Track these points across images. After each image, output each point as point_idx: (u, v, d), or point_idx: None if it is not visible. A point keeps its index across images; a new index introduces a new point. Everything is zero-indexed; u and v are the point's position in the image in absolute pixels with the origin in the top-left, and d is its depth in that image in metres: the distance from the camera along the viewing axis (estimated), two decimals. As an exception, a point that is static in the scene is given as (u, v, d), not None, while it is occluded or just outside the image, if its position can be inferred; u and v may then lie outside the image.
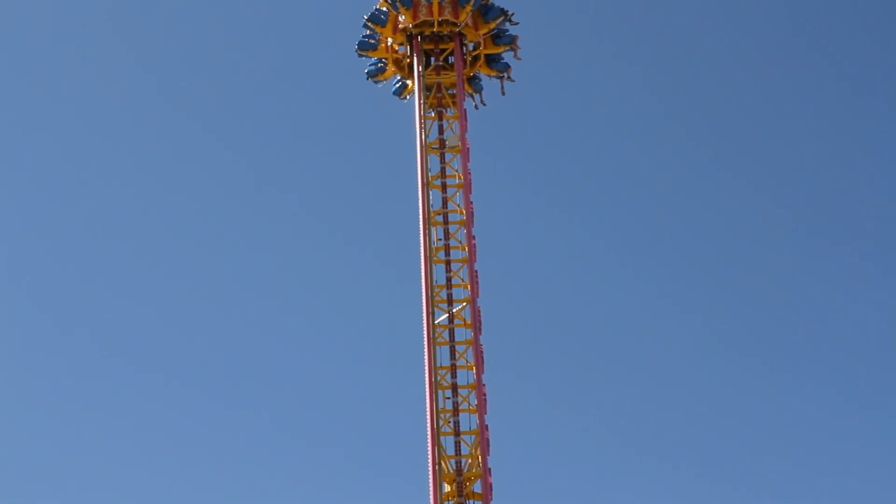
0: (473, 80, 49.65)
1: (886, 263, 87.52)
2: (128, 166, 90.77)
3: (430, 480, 41.92)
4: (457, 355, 43.70)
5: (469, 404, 42.99)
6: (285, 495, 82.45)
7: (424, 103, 47.74)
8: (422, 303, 44.40)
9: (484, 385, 43.27)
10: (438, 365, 43.43)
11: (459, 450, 42.48)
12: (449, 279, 44.88)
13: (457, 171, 46.48)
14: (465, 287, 44.77)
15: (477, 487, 42.11)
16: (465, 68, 48.96)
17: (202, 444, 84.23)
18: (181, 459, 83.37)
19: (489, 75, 49.85)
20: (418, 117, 47.47)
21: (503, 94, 49.90)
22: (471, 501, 41.98)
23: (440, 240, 45.41)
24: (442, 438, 42.50)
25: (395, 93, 50.10)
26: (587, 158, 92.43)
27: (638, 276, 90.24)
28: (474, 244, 45.30)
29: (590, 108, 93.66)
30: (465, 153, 46.60)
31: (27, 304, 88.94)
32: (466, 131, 47.30)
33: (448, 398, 43.08)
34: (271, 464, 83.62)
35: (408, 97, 49.70)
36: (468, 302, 44.46)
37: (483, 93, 49.82)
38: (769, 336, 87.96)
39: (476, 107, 49.60)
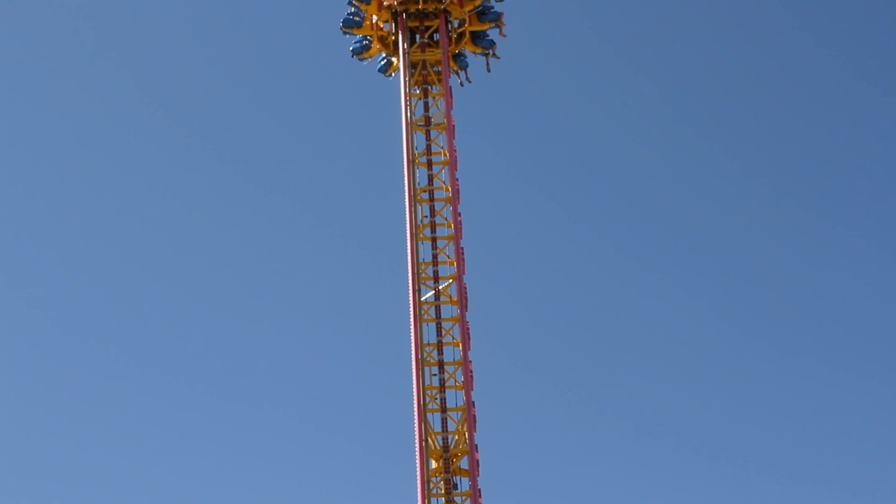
0: (459, 58, 49.54)
1: (892, 258, 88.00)
2: (116, 149, 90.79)
3: (417, 457, 42.01)
4: (443, 332, 43.77)
5: (455, 381, 43.08)
6: (273, 472, 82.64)
7: (410, 81, 47.66)
8: (408, 280, 44.43)
9: (470, 362, 43.35)
10: (425, 342, 43.50)
11: (446, 426, 42.60)
12: (435, 256, 44.92)
13: (442, 147, 46.49)
14: (451, 264, 44.80)
15: (464, 463, 42.28)
16: (450, 45, 48.85)
17: (193, 432, 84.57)
18: (177, 444, 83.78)
19: (474, 52, 49.74)
20: (403, 95, 47.42)
21: (488, 70, 49.85)
22: (458, 477, 42.12)
23: (426, 217, 45.43)
24: (429, 415, 42.62)
25: (380, 70, 49.96)
26: (572, 135, 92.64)
27: (622, 252, 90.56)
28: (460, 221, 45.32)
29: (575, 86, 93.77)
30: (450, 130, 46.59)
31: (28, 305, 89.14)
32: (452, 108, 47.29)
33: (434, 375, 43.18)
34: (258, 442, 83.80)
35: (393, 74, 49.55)
36: (454, 279, 44.50)
37: (468, 70, 49.72)
38: (769, 321, 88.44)
39: (461, 84, 49.49)
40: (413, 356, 43.17)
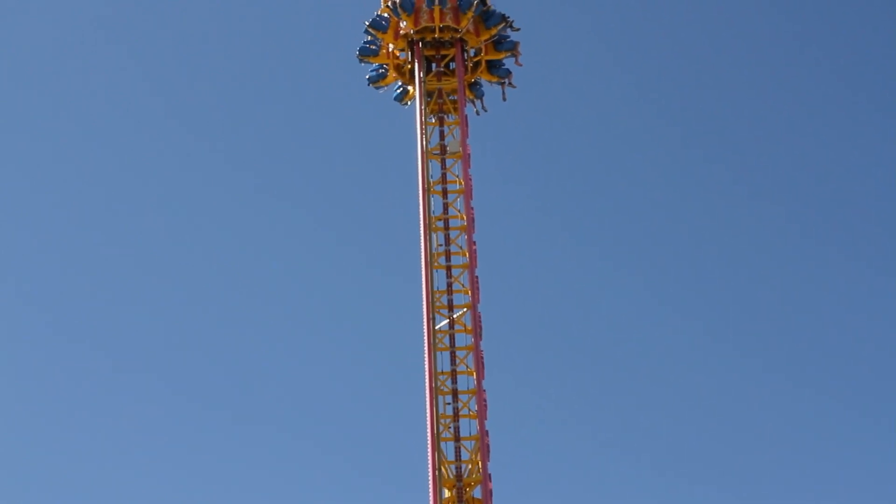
0: (474, 87, 49.72)
1: (887, 265, 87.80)
2: (132, 174, 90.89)
3: (430, 486, 41.92)
4: (457, 361, 43.71)
5: (469, 410, 43.00)
6: (283, 500, 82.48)
7: (425, 109, 47.77)
8: (422, 308, 44.42)
9: (484, 391, 43.29)
10: (439, 370, 43.44)
11: (459, 455, 42.49)
12: (449, 285, 44.90)
13: (458, 176, 46.50)
14: (466, 293, 44.78)
15: (477, 493, 42.11)
16: (466, 74, 48.98)
17: (202, 451, 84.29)
18: (181, 466, 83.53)
19: (490, 81, 49.91)
20: (419, 123, 47.50)
21: (504, 99, 50.04)
22: (471, 505, 42.01)
23: (441, 245, 45.43)
24: (442, 444, 42.51)
25: (395, 99, 50.13)
26: (588, 164, 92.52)
27: (638, 281, 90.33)
28: (475, 250, 45.32)
29: (590, 114, 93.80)
30: (465, 159, 46.62)
31: (27, 308, 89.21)
32: (468, 137, 47.35)
33: (448, 403, 43.10)
34: (272, 469, 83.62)
35: (409, 103, 49.74)
36: (469, 307, 44.47)
37: (484, 99, 49.90)
38: (768, 339, 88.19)
39: (477, 113, 49.64)
40: (427, 385, 43.12)
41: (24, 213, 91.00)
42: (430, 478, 41.99)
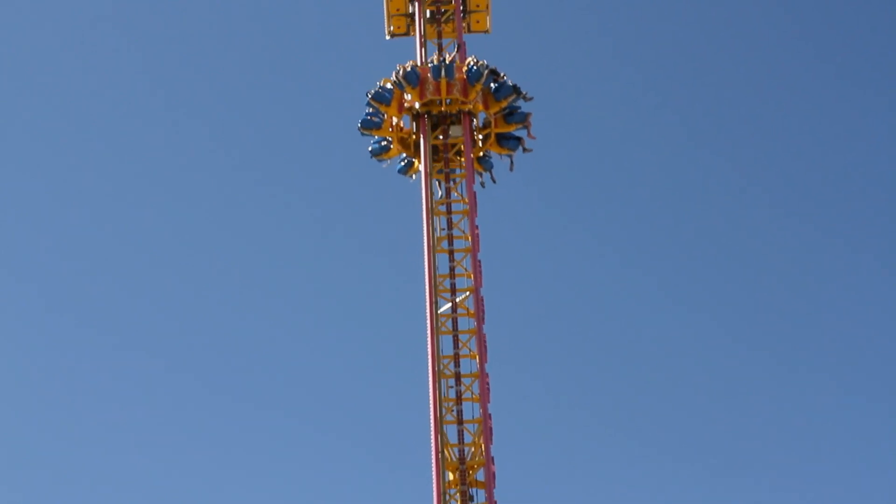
0: (483, 160, 47.72)
1: (889, 258, 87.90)
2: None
3: (433, 469, 42.05)
4: (460, 344, 43.76)
5: (472, 393, 43.09)
6: (288, 484, 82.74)
7: (431, 174, 46.17)
8: (425, 292, 44.55)
9: (487, 374, 43.42)
10: (441, 354, 43.55)
11: (462, 438, 42.58)
12: (452, 269, 44.98)
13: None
14: (469, 276, 44.86)
15: (480, 476, 42.20)
16: (474, 147, 47.11)
17: (205, 435, 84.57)
18: (184, 451, 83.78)
19: (500, 154, 47.81)
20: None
21: (511, 170, 47.80)
22: (474, 490, 42.10)
23: (443, 230, 45.53)
24: (445, 427, 42.62)
25: (400, 171, 48.08)
26: (591, 149, 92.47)
27: (639, 266, 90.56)
28: (477, 234, 45.43)
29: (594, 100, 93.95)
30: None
31: (34, 299, 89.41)
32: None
33: (451, 387, 43.18)
34: (274, 452, 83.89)
35: (414, 176, 47.86)
36: (471, 291, 44.54)
37: (493, 171, 47.84)
38: (771, 328, 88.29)
39: (483, 184, 47.57)
40: (430, 368, 43.26)
41: (25, 208, 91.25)
42: (433, 461, 42.13)
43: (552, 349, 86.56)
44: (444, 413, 42.75)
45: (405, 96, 46.75)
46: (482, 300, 44.40)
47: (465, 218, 45.64)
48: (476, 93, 46.58)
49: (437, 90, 46.42)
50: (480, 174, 47.52)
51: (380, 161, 48.00)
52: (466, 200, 45.93)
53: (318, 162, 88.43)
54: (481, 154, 47.54)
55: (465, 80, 46.59)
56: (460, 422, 42.76)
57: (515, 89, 47.15)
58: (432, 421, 42.58)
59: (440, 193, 46.12)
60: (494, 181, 47.73)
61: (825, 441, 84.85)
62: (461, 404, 42.96)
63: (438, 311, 44.24)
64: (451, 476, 42.18)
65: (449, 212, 45.81)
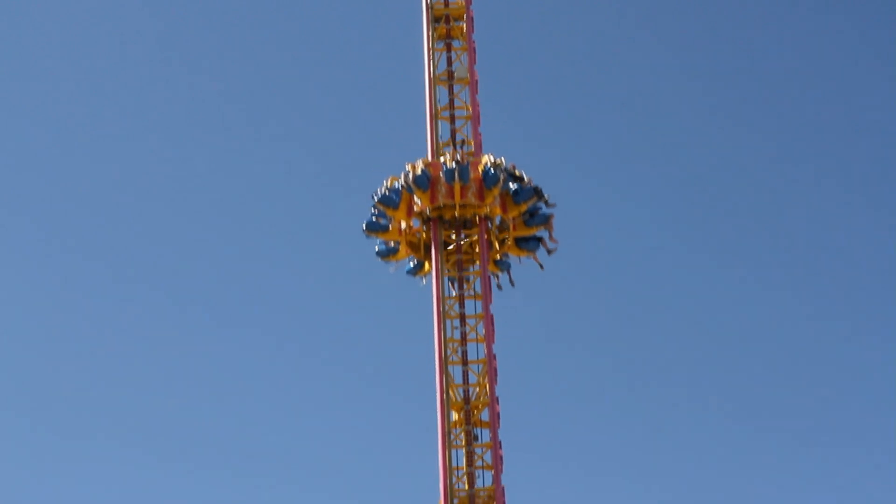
0: (500, 262, 44.65)
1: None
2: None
3: (439, 408, 42.19)
4: (465, 287, 43.84)
5: (477, 334, 43.23)
6: (296, 422, 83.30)
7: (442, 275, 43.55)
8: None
9: (492, 315, 43.52)
10: (446, 295, 43.65)
11: (467, 379, 42.74)
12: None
13: (465, 102, 46.31)
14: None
15: (484, 416, 42.38)
16: (490, 250, 44.14)
17: (216, 368, 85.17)
18: (193, 383, 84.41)
19: (519, 256, 44.87)
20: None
21: (542, 268, 44.73)
22: (478, 429, 42.25)
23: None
24: (450, 367, 42.79)
25: (409, 273, 45.18)
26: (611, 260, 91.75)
27: (644, 188, 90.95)
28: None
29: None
30: (473, 85, 46.38)
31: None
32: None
33: (456, 328, 43.31)
34: (284, 390, 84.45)
35: (424, 279, 44.69)
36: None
37: (511, 270, 44.85)
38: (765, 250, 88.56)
39: (500, 287, 44.59)
40: (435, 309, 43.37)
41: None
42: (439, 401, 42.27)
43: (558, 289, 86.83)
44: (448, 353, 42.88)
45: (415, 199, 43.86)
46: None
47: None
48: (493, 197, 43.46)
49: (450, 194, 43.35)
50: (496, 275, 44.58)
51: (386, 262, 45.13)
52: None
53: (322, 263, 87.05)
54: (498, 257, 44.45)
55: (480, 182, 43.39)
56: (465, 362, 42.87)
57: (537, 192, 44.17)
58: (437, 362, 42.71)
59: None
60: (513, 284, 44.71)
61: (827, 372, 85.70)
62: (466, 345, 43.06)
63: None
64: (455, 416, 42.36)
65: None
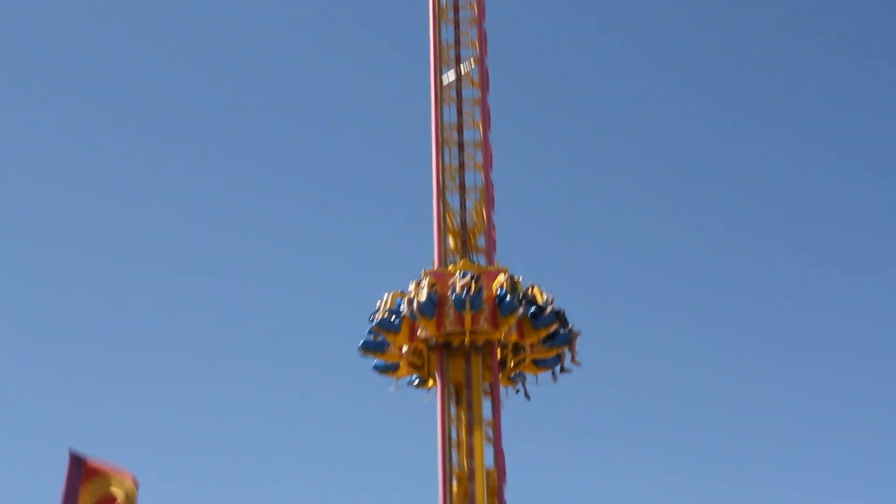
0: (514, 376, 41.09)
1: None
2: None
3: (435, 235, 42.33)
4: (464, 114, 43.95)
5: (475, 162, 43.58)
6: (290, 252, 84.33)
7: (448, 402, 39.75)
8: (429, 61, 44.71)
9: (490, 143, 43.86)
10: (445, 122, 43.85)
11: (465, 206, 42.97)
12: (458, 38, 45.04)
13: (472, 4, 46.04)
14: (474, 45, 44.85)
15: (481, 242, 42.53)
16: (502, 370, 40.39)
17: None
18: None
19: (535, 375, 41.37)
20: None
21: (555, 381, 41.17)
22: (474, 254, 42.53)
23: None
24: (447, 195, 43.00)
25: (411, 384, 41.73)
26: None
27: (638, 49, 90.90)
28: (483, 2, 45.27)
29: None
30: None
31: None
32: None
33: (454, 156, 43.62)
34: (283, 220, 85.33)
35: (428, 394, 40.90)
36: (476, 61, 44.72)
37: (526, 382, 41.37)
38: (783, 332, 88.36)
39: (517, 391, 41.19)
40: (433, 136, 43.60)
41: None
42: (435, 227, 42.37)
43: (554, 112, 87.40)
44: (446, 181, 43.21)
45: (418, 326, 39.81)
46: (487, 71, 44.55)
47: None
48: (509, 325, 39.38)
49: (459, 321, 39.15)
50: (508, 389, 41.17)
51: (386, 376, 41.04)
52: (476, 6, 45.02)
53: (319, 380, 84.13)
54: (512, 375, 40.96)
55: (495, 309, 39.26)
56: (463, 189, 43.07)
57: (559, 317, 40.08)
58: (434, 188, 42.79)
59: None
60: (528, 398, 41.26)
61: (828, 317, 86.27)
62: (464, 172, 43.29)
63: (443, 84, 44.28)
64: (452, 242, 42.36)
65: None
